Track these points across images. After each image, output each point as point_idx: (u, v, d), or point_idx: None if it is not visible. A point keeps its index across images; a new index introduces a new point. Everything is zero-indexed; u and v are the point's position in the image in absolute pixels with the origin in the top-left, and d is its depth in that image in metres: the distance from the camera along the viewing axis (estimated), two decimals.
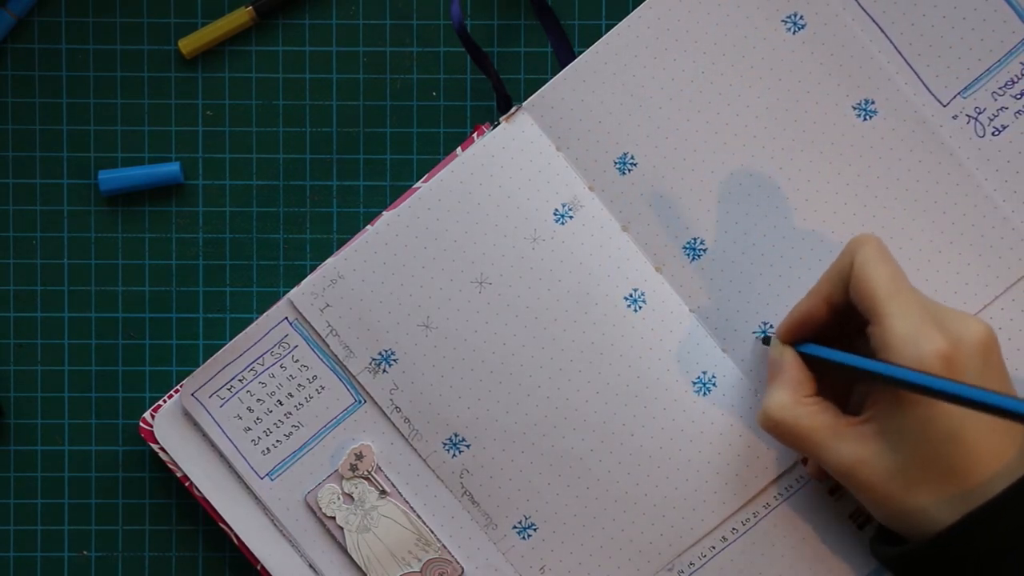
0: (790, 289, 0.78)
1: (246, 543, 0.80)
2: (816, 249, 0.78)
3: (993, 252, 0.78)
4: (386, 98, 0.82)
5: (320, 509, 0.79)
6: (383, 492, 0.79)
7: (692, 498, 0.78)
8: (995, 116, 0.78)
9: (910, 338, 0.68)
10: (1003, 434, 0.68)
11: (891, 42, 0.78)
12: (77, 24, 0.82)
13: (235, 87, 0.81)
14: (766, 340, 0.78)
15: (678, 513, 0.78)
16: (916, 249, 0.78)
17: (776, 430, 0.73)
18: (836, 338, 0.74)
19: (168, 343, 0.82)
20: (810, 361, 0.74)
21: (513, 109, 0.78)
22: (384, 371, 0.79)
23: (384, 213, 0.79)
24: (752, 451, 0.78)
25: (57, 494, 0.82)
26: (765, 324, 0.78)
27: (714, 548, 0.79)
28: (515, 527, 0.79)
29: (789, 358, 0.74)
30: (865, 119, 0.78)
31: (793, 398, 0.73)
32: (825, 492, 0.79)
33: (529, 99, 0.78)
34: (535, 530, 0.79)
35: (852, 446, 0.70)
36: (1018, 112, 0.78)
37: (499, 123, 0.78)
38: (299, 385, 0.79)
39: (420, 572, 0.79)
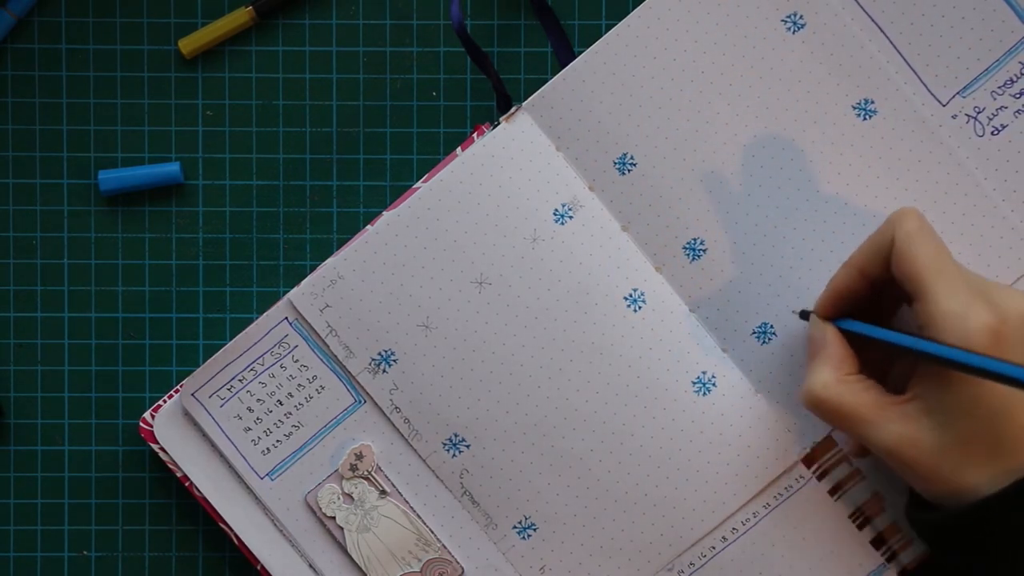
0: (790, 289, 0.78)
1: (246, 543, 0.80)
2: (816, 249, 0.78)
3: (992, 252, 0.78)
4: (386, 98, 0.82)
5: (320, 509, 0.79)
6: (383, 492, 0.79)
7: (692, 498, 0.78)
8: (994, 115, 0.78)
9: (957, 315, 0.67)
10: None
11: (890, 42, 0.78)
12: (77, 24, 0.82)
13: (235, 87, 0.81)
14: (804, 315, 0.77)
15: (678, 513, 0.78)
16: None
17: (819, 409, 0.72)
18: (872, 311, 0.74)
19: (168, 343, 0.82)
20: (850, 337, 0.73)
21: (513, 109, 0.78)
22: (384, 371, 0.79)
23: (384, 213, 0.79)
24: (752, 451, 0.78)
25: (57, 494, 0.82)
26: (766, 324, 0.78)
27: (714, 548, 0.79)
28: (515, 527, 0.79)
29: (831, 335, 0.73)
30: (865, 119, 0.78)
31: (836, 376, 0.72)
32: (825, 492, 0.79)
33: (529, 99, 0.78)
34: (535, 530, 0.79)
35: (897, 425, 0.70)
36: (1017, 112, 0.78)
37: (499, 123, 0.78)
38: (299, 385, 0.79)
39: (420, 572, 0.79)
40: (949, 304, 0.68)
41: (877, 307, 0.74)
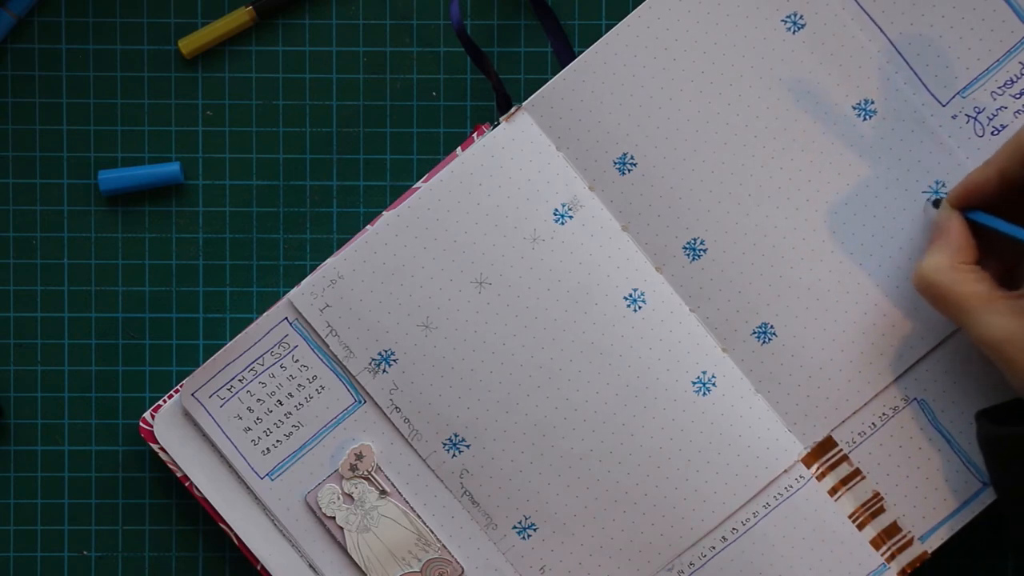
0: (791, 289, 0.78)
1: (246, 543, 0.80)
2: (817, 249, 0.78)
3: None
4: (386, 98, 0.82)
5: (320, 509, 0.79)
6: (383, 492, 0.79)
7: (692, 498, 0.78)
8: (994, 115, 0.78)
9: None
10: None
11: (890, 42, 0.78)
12: (77, 24, 0.82)
13: (235, 87, 0.81)
14: (936, 203, 0.77)
15: (678, 513, 0.78)
16: (917, 249, 0.78)
17: (929, 291, 0.72)
18: (1011, 215, 0.74)
19: (168, 343, 0.82)
20: (980, 232, 0.73)
21: (513, 109, 0.78)
22: (384, 371, 0.79)
23: (384, 213, 0.79)
24: (752, 451, 0.78)
25: (57, 494, 0.82)
26: (765, 324, 0.78)
27: (714, 548, 0.79)
28: (515, 527, 0.79)
29: (955, 222, 0.73)
30: (865, 119, 0.78)
31: (951, 262, 0.72)
32: (825, 492, 0.79)
33: (529, 99, 0.78)
34: (535, 530, 0.79)
35: (1003, 319, 0.70)
36: (1017, 112, 0.78)
37: (499, 123, 0.78)
38: (299, 385, 0.79)
39: (420, 572, 0.79)
40: None
41: (1014, 213, 0.73)
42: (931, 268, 0.72)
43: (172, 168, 0.81)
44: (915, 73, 0.78)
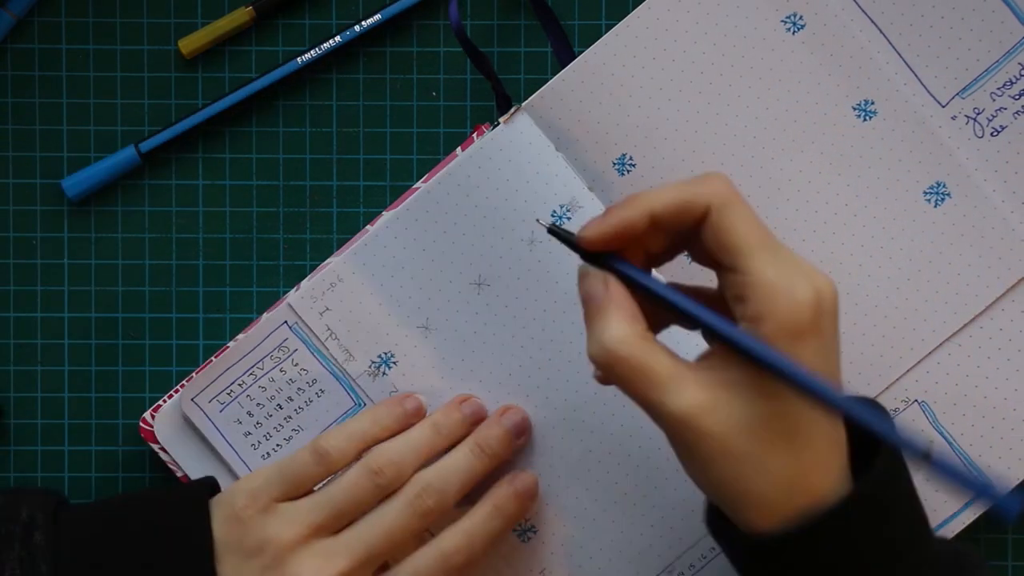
0: None
1: None
2: (817, 251, 0.78)
3: (993, 253, 0.78)
4: (386, 98, 0.82)
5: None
6: None
7: (692, 499, 0.78)
8: (993, 116, 0.77)
9: (783, 288, 0.62)
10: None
11: (890, 43, 0.78)
12: (77, 24, 0.81)
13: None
14: (556, 231, 0.68)
15: (678, 514, 0.78)
16: (917, 250, 0.78)
17: (613, 366, 0.64)
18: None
19: (168, 343, 0.82)
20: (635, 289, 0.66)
21: (512, 109, 0.78)
22: (384, 373, 0.79)
23: (384, 213, 0.78)
24: None
25: None
26: None
27: (714, 549, 0.79)
28: (515, 529, 0.79)
29: (615, 287, 0.65)
30: (865, 120, 0.78)
31: (635, 331, 0.64)
32: None
33: (528, 99, 0.78)
34: (535, 532, 0.79)
35: (695, 390, 0.63)
36: (1016, 113, 0.77)
37: (498, 124, 0.78)
38: (299, 389, 0.79)
39: None
40: (776, 275, 0.62)
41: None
42: (615, 340, 0.63)
43: (127, 153, 0.80)
44: (915, 74, 0.78)
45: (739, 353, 0.62)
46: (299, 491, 0.74)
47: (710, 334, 0.64)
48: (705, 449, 0.63)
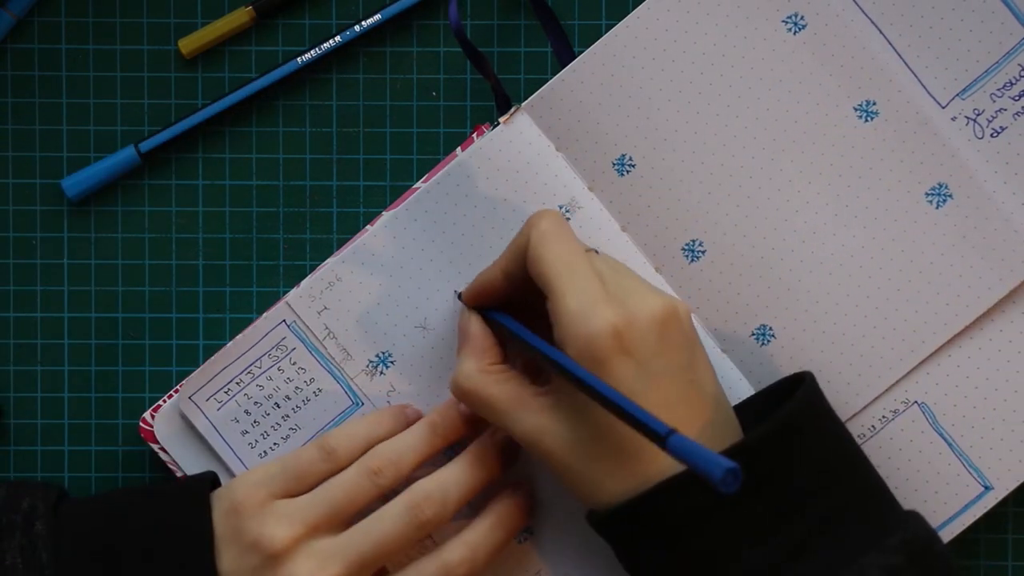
0: (790, 292, 0.78)
1: None
2: (817, 251, 0.78)
3: (995, 255, 0.78)
4: (386, 98, 0.82)
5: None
6: None
7: None
8: (993, 117, 0.77)
9: (579, 314, 0.69)
10: (680, 412, 0.69)
11: (890, 43, 0.77)
12: (77, 24, 0.81)
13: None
14: (460, 298, 0.78)
15: None
16: (919, 251, 0.78)
17: (465, 398, 0.73)
18: (530, 310, 0.74)
19: (168, 343, 0.82)
20: (502, 329, 0.74)
21: (512, 110, 0.78)
22: (382, 373, 0.79)
23: (384, 213, 0.78)
24: None
25: None
26: (764, 326, 0.78)
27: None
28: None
29: (474, 326, 0.75)
30: (867, 120, 0.78)
31: (478, 366, 0.73)
32: None
33: (528, 99, 0.78)
34: (531, 534, 0.79)
35: (535, 416, 0.71)
36: (1016, 114, 0.77)
37: (498, 124, 0.78)
38: (297, 388, 0.79)
39: None
40: (572, 303, 0.69)
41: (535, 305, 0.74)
42: (462, 375, 0.73)
43: (127, 153, 0.80)
44: (914, 75, 0.77)
45: (560, 373, 0.69)
46: (301, 487, 0.75)
47: (542, 358, 0.71)
48: (551, 465, 0.71)
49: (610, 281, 0.71)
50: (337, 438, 0.76)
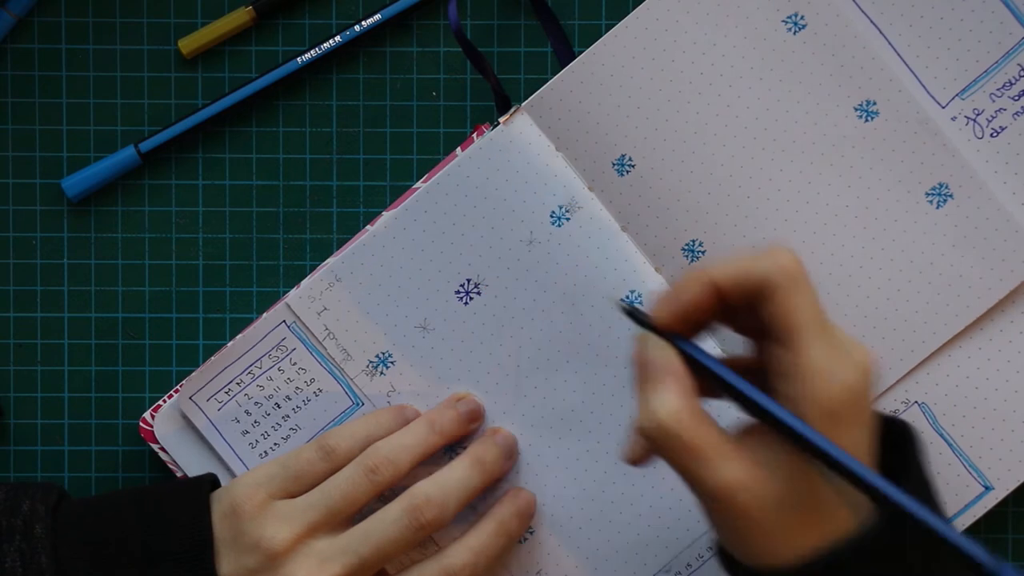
0: None
1: None
2: (817, 252, 0.78)
3: (996, 255, 0.78)
4: (386, 98, 0.82)
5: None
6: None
7: (688, 500, 0.78)
8: (993, 117, 0.77)
9: (828, 371, 0.63)
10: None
11: (890, 43, 0.77)
12: (77, 24, 0.82)
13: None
14: (633, 314, 0.68)
15: (674, 514, 0.78)
16: (919, 252, 0.78)
17: (662, 439, 0.64)
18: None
19: (168, 343, 0.82)
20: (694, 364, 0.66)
21: (512, 110, 0.78)
22: (382, 373, 0.79)
23: (384, 213, 0.78)
24: None
25: None
26: None
27: (712, 549, 0.78)
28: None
29: (673, 358, 0.65)
30: (867, 120, 0.78)
31: (689, 404, 0.64)
32: None
33: (528, 100, 0.78)
34: (531, 533, 0.79)
35: (736, 465, 0.64)
36: (1016, 114, 0.77)
37: (498, 124, 0.78)
38: (297, 388, 0.79)
39: None
40: (822, 358, 0.63)
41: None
42: (666, 412, 0.64)
43: (127, 153, 0.80)
44: (914, 75, 0.77)
45: (782, 433, 0.63)
46: (300, 488, 0.75)
47: (754, 410, 0.65)
48: (740, 523, 0.64)
49: (836, 332, 0.65)
50: (336, 437, 0.75)
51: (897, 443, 0.68)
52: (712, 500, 0.65)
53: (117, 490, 0.79)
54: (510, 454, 0.77)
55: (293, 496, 0.74)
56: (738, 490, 0.64)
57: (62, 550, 0.72)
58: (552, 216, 0.78)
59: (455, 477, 0.74)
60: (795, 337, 0.64)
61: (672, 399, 0.64)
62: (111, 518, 0.74)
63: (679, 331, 0.66)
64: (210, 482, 0.76)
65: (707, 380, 0.66)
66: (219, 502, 0.74)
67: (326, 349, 0.79)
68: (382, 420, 0.77)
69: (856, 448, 0.64)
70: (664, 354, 0.65)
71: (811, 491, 0.64)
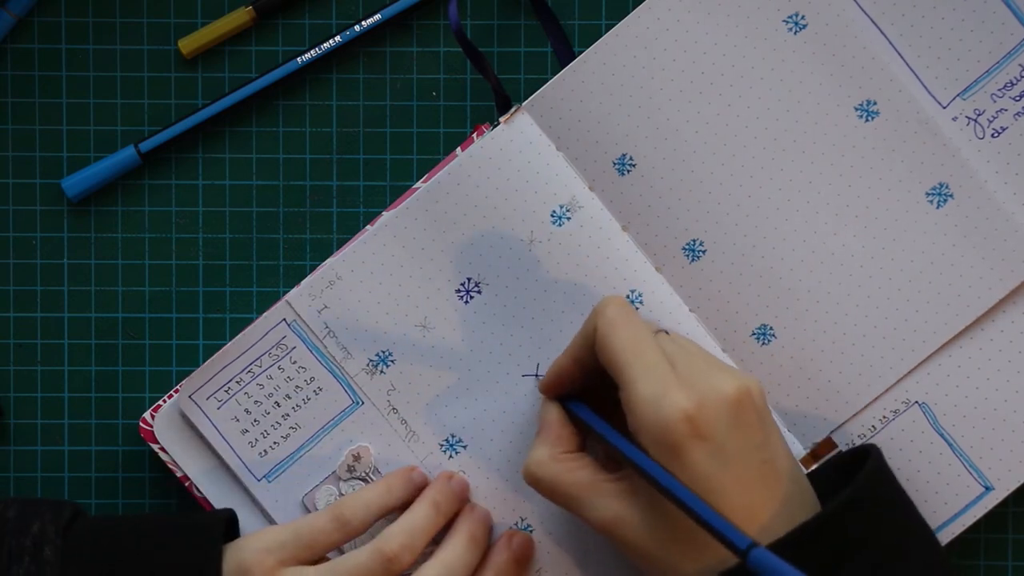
0: (790, 291, 0.78)
1: None
2: (817, 251, 0.78)
3: (996, 255, 0.78)
4: (386, 98, 0.82)
5: (318, 510, 0.79)
6: None
7: None
8: (994, 118, 0.77)
9: (651, 402, 0.68)
10: (757, 493, 0.68)
11: (890, 43, 0.77)
12: (77, 24, 0.82)
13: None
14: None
15: None
16: (919, 252, 0.78)
17: (536, 486, 0.73)
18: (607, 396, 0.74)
19: (168, 343, 0.82)
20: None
21: (513, 109, 0.78)
22: (382, 372, 0.79)
23: (384, 213, 0.78)
24: None
25: (57, 494, 0.82)
26: (765, 326, 0.78)
27: None
28: (514, 527, 0.79)
29: (552, 414, 0.74)
30: (867, 120, 0.78)
31: (551, 454, 0.72)
32: None
33: (529, 99, 0.78)
34: (530, 531, 0.79)
35: (609, 503, 0.70)
36: (1017, 114, 0.77)
37: (498, 124, 0.78)
38: (297, 387, 0.79)
39: None
40: (643, 390, 0.68)
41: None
42: (534, 463, 0.73)
43: (127, 153, 0.80)
44: (915, 75, 0.77)
45: (636, 472, 0.69)
46: (312, 556, 0.75)
47: (618, 454, 0.70)
48: (628, 552, 0.70)
49: (680, 363, 0.70)
50: (351, 508, 0.76)
51: (860, 466, 0.72)
52: (598, 532, 0.71)
53: (131, 516, 0.79)
54: (464, 497, 0.79)
55: (303, 563, 0.74)
56: (616, 525, 0.70)
57: (70, 573, 0.72)
58: (553, 215, 0.78)
59: (458, 554, 0.76)
60: (621, 375, 0.69)
61: (540, 450, 0.73)
62: (121, 549, 0.74)
63: (566, 394, 0.75)
64: (224, 521, 0.75)
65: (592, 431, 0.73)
66: (228, 561, 0.74)
67: (326, 347, 0.78)
68: (393, 488, 0.77)
69: (702, 469, 0.67)
70: (546, 413, 0.74)
71: (684, 517, 0.67)
